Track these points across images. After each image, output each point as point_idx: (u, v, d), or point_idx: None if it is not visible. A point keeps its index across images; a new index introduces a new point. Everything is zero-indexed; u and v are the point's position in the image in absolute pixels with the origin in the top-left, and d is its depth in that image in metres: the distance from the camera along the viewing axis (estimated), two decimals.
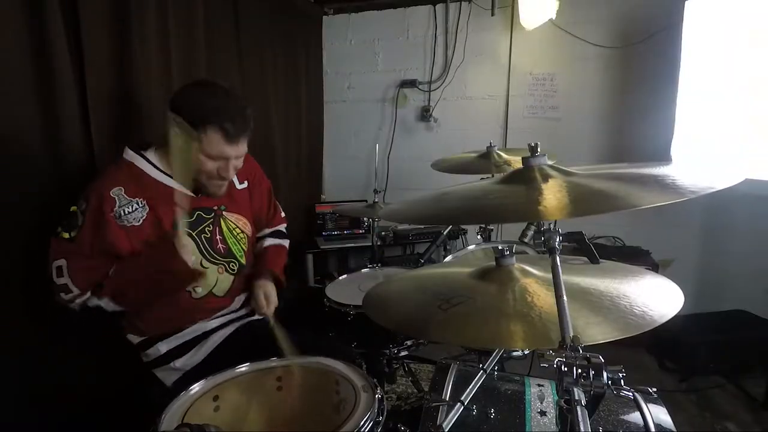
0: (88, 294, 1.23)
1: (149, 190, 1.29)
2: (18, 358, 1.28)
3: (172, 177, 1.32)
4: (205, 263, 1.38)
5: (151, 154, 1.33)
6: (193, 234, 1.36)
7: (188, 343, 1.38)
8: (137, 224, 1.26)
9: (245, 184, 1.54)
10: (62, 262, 1.21)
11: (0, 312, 1.25)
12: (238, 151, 1.31)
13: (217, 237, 1.42)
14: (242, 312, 1.51)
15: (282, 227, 1.72)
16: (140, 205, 1.27)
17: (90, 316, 1.25)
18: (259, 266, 1.55)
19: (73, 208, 1.24)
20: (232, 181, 1.50)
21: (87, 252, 1.22)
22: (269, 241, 1.64)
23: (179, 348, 1.37)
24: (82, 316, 1.25)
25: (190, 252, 1.25)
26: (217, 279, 1.41)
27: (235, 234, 1.47)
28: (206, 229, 1.39)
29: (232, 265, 1.45)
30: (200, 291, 1.38)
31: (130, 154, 1.32)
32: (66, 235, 1.21)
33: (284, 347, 1.22)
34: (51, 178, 1.35)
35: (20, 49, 1.25)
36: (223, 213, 1.44)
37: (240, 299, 1.50)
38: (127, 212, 1.25)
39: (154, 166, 1.32)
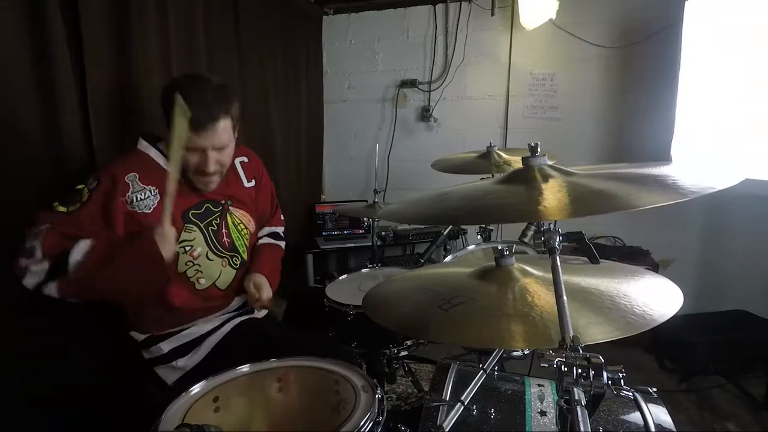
0: (46, 265, 1.13)
1: (161, 181, 1.28)
2: (18, 358, 1.28)
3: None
4: (211, 255, 1.40)
5: (163, 146, 1.36)
6: (201, 225, 1.38)
7: (189, 343, 1.38)
8: (148, 212, 1.28)
9: (253, 183, 1.57)
10: (44, 227, 1.15)
11: (0, 312, 1.24)
12: (211, 141, 1.27)
13: (223, 231, 1.44)
14: (240, 311, 1.51)
15: (279, 229, 1.72)
16: (152, 194, 1.29)
17: (80, 309, 1.24)
18: (251, 265, 1.54)
19: (80, 186, 1.23)
20: (241, 179, 1.53)
21: (78, 227, 1.18)
22: (265, 240, 1.65)
23: (181, 348, 1.37)
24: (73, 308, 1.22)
25: (169, 244, 1.19)
26: (221, 272, 1.43)
27: (240, 229, 1.49)
28: (213, 221, 1.41)
29: (235, 260, 1.47)
30: (203, 282, 1.39)
31: (144, 145, 1.35)
32: (62, 209, 1.20)
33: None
34: (51, 178, 1.35)
35: (20, 49, 1.25)
36: (230, 208, 1.47)
37: (239, 299, 1.50)
38: (139, 198, 1.27)
39: (166, 158, 1.33)
